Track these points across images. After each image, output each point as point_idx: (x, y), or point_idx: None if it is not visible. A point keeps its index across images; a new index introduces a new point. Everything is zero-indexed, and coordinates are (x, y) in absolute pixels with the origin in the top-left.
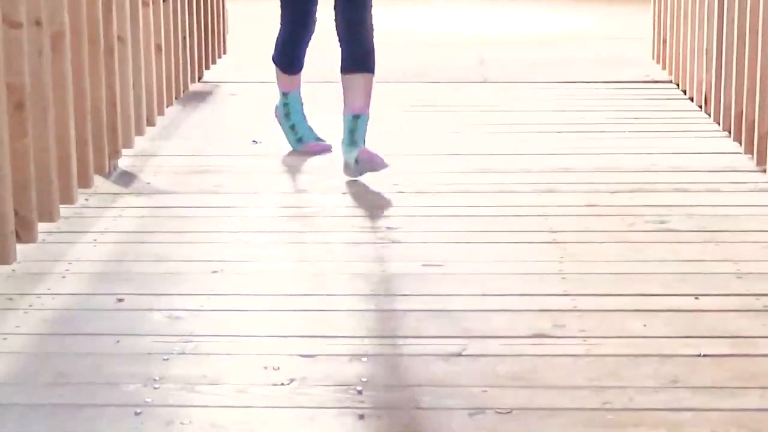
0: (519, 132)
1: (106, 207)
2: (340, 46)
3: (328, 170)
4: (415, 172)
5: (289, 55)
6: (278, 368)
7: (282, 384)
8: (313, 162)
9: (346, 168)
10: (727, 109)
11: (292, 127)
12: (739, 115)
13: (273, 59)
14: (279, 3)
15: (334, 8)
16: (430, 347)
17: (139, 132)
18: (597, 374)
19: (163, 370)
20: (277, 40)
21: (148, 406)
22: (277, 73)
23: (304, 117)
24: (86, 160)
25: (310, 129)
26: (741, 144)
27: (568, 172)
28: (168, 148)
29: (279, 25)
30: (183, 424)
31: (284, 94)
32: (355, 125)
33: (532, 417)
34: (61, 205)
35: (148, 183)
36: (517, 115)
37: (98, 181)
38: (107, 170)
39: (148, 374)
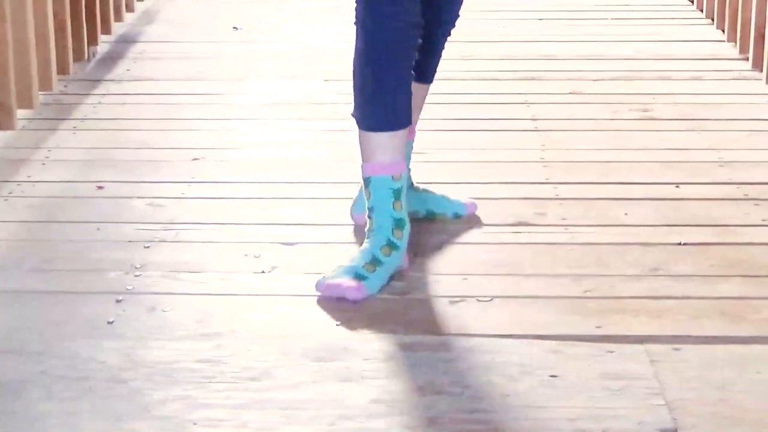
0: (501, 18)
1: (86, 94)
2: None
3: (310, 56)
4: None
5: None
6: (259, 256)
7: (263, 272)
8: (296, 47)
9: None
10: None
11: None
12: (722, 3)
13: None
14: None
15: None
16: (412, 235)
17: (119, 18)
18: (578, 262)
19: (144, 258)
20: None
21: (130, 293)
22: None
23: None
24: (65, 45)
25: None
26: (725, 32)
27: (550, 59)
28: (147, 35)
29: None
30: (164, 311)
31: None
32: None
33: (513, 305)
34: (39, 92)
35: (128, 70)
36: (499, 0)
37: (77, 67)
38: (86, 57)
39: (129, 261)
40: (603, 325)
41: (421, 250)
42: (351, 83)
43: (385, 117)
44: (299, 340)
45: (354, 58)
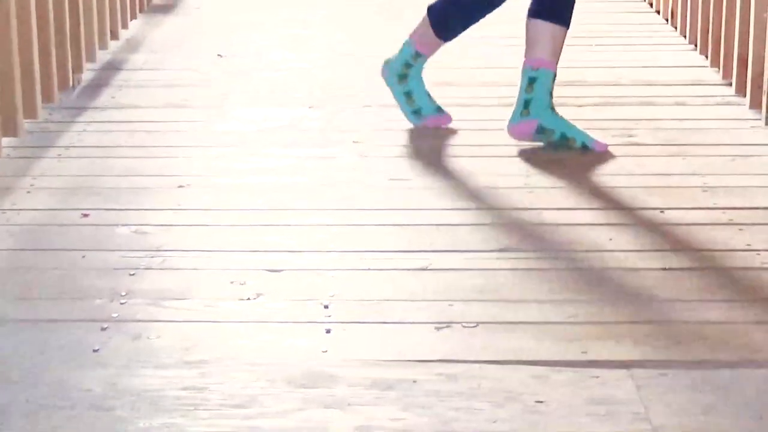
0: (484, 44)
1: (71, 121)
2: None
3: (294, 83)
4: (382, 86)
5: (464, 21)
6: (245, 283)
7: (249, 299)
8: (280, 74)
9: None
10: (694, 22)
11: (408, 95)
12: (705, 29)
13: (437, 12)
14: None
15: None
16: (397, 261)
17: (103, 46)
18: (563, 288)
19: (129, 285)
20: None
21: (115, 321)
22: (424, 28)
23: (423, 84)
24: (49, 73)
25: (429, 97)
26: (707, 57)
27: None
28: (132, 62)
29: None
30: (150, 339)
31: (417, 55)
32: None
33: (498, 330)
34: (24, 120)
35: (113, 97)
36: (482, 28)
37: (62, 95)
38: (71, 84)
39: (114, 289)
40: (588, 350)
41: (406, 276)
42: (332, 110)
43: None
44: (285, 368)
45: None
